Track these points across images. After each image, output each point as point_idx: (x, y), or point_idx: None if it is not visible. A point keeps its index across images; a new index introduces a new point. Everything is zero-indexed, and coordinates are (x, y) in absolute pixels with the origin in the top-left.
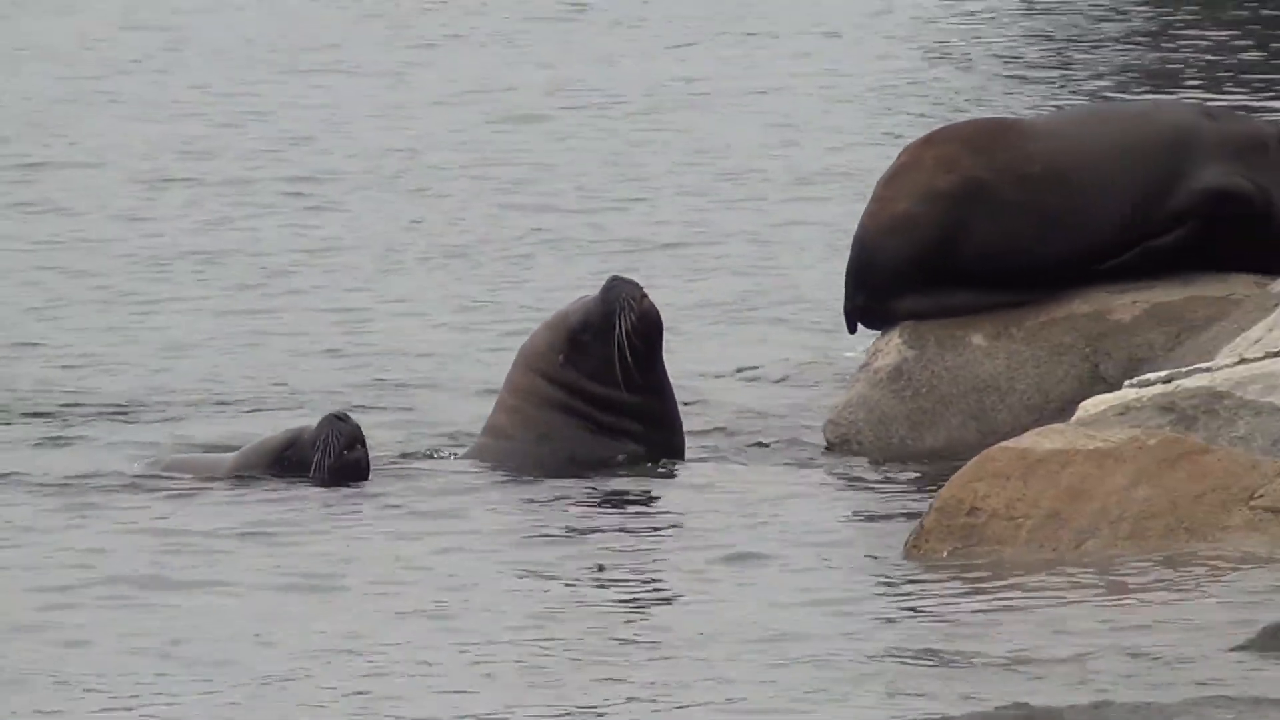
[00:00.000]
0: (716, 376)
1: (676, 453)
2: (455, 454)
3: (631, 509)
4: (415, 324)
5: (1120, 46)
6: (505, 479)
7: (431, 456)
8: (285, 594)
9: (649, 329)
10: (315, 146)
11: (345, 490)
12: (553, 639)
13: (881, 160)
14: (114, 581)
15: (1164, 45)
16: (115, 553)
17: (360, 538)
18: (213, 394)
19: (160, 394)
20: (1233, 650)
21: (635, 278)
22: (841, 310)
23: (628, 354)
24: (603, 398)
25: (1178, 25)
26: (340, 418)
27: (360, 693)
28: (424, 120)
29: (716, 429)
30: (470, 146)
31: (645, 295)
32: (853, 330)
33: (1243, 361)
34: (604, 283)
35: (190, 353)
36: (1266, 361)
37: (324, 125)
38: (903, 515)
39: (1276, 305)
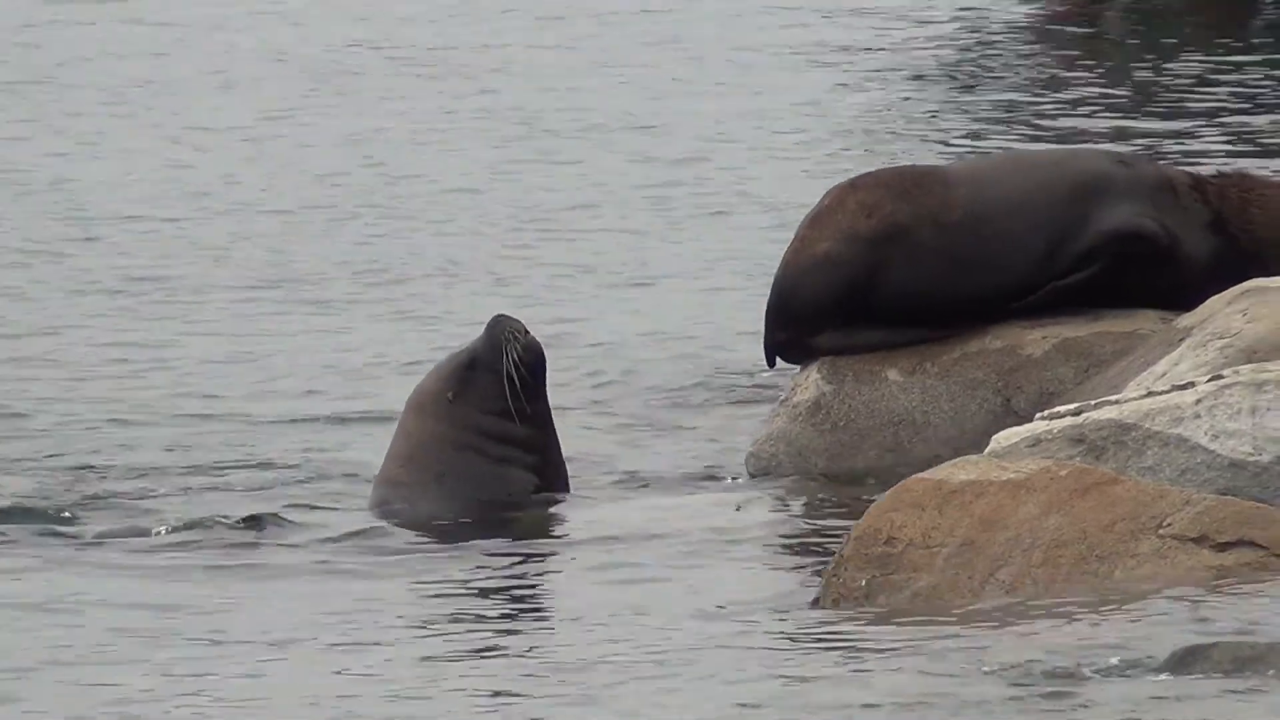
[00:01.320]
0: (641, 405)
1: (565, 482)
2: (353, 503)
3: (541, 544)
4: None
5: (1043, 91)
6: (408, 524)
7: (333, 509)
8: (186, 647)
9: (534, 360)
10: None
11: (236, 543)
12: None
13: (803, 200)
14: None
15: (1088, 91)
16: None
17: (260, 596)
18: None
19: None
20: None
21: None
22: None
23: (517, 384)
24: (495, 431)
25: (1101, 70)
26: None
27: None
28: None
29: (636, 457)
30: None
31: (528, 331)
32: (772, 364)
33: (1150, 394)
34: (488, 321)
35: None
36: (1173, 394)
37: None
38: (821, 545)
39: (1181, 340)
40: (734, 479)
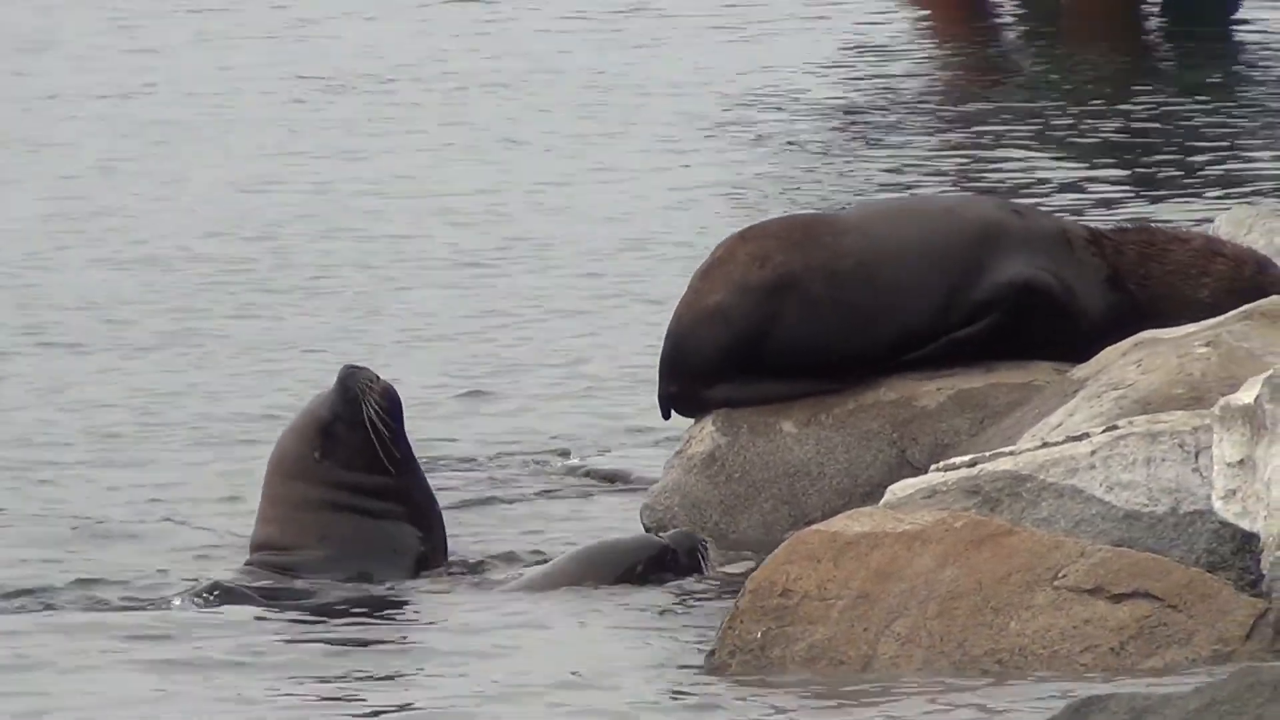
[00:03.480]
0: (527, 453)
1: (442, 528)
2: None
3: (425, 610)
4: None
5: (938, 135)
6: (298, 594)
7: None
8: None
9: (392, 406)
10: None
11: (108, 625)
12: None
13: (695, 253)
14: None
15: (979, 132)
16: None
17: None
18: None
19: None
20: None
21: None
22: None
23: (383, 433)
24: (368, 486)
25: (995, 112)
26: (354, 367)
27: None
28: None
29: (523, 504)
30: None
31: (379, 377)
32: (666, 416)
33: (1044, 445)
34: (338, 374)
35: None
36: (1067, 445)
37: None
38: (716, 598)
39: (1076, 391)
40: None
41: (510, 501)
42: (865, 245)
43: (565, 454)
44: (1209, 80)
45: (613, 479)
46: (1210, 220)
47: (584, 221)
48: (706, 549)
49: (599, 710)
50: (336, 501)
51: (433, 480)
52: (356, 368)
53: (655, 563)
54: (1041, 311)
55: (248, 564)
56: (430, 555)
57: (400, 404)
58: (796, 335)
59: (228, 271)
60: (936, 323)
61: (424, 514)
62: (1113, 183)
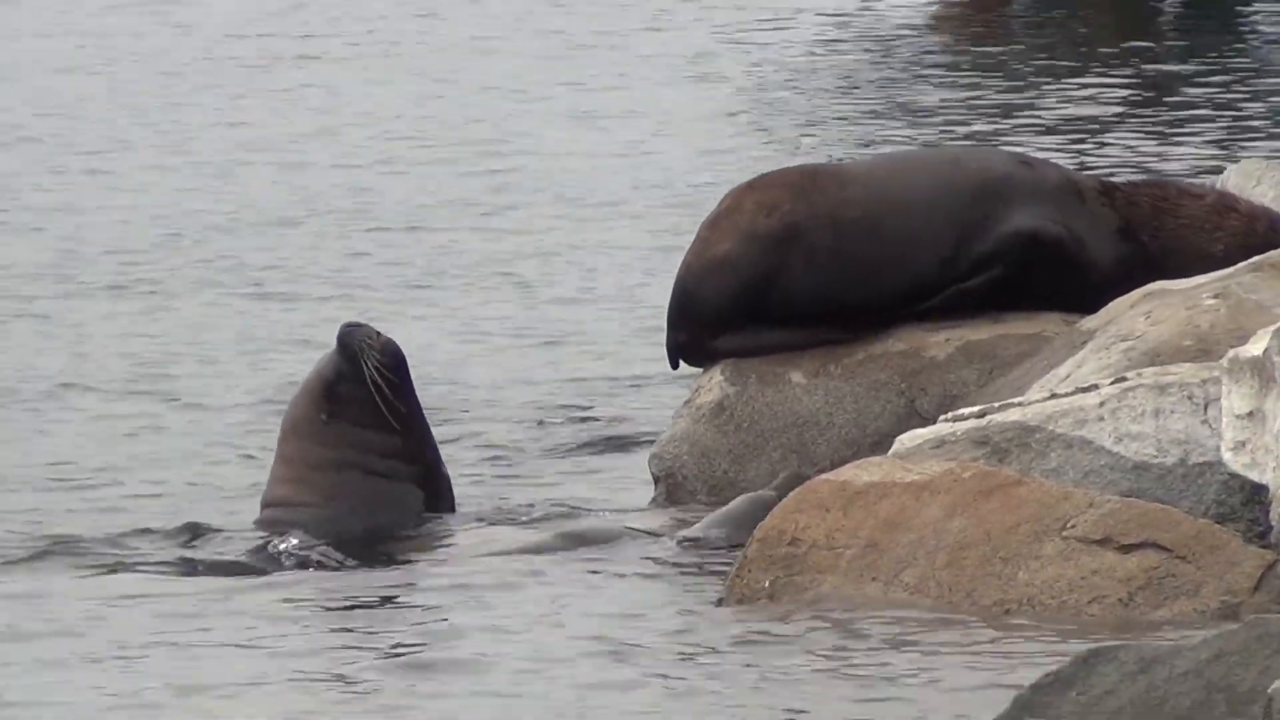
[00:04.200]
0: (538, 407)
1: (450, 488)
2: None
3: (442, 556)
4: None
5: (946, 89)
6: (310, 547)
7: (219, 532)
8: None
9: (394, 362)
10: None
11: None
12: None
13: (704, 204)
14: None
15: (989, 86)
16: None
17: (178, 612)
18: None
19: None
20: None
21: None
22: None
23: (385, 391)
24: (376, 445)
25: (1002, 64)
26: (352, 325)
27: None
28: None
29: (538, 456)
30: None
31: (380, 333)
32: (675, 366)
33: (1053, 396)
34: (337, 333)
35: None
36: (1076, 396)
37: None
38: (725, 546)
39: (1085, 342)
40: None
41: (516, 455)
42: (871, 195)
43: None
44: (1220, 32)
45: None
46: (1219, 171)
47: (592, 172)
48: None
49: (610, 658)
50: (345, 460)
51: (438, 433)
52: (355, 325)
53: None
54: (1049, 262)
55: (258, 521)
56: (437, 514)
57: (403, 358)
58: (803, 285)
59: (262, 222)
60: (943, 273)
61: (432, 473)
62: (1123, 134)
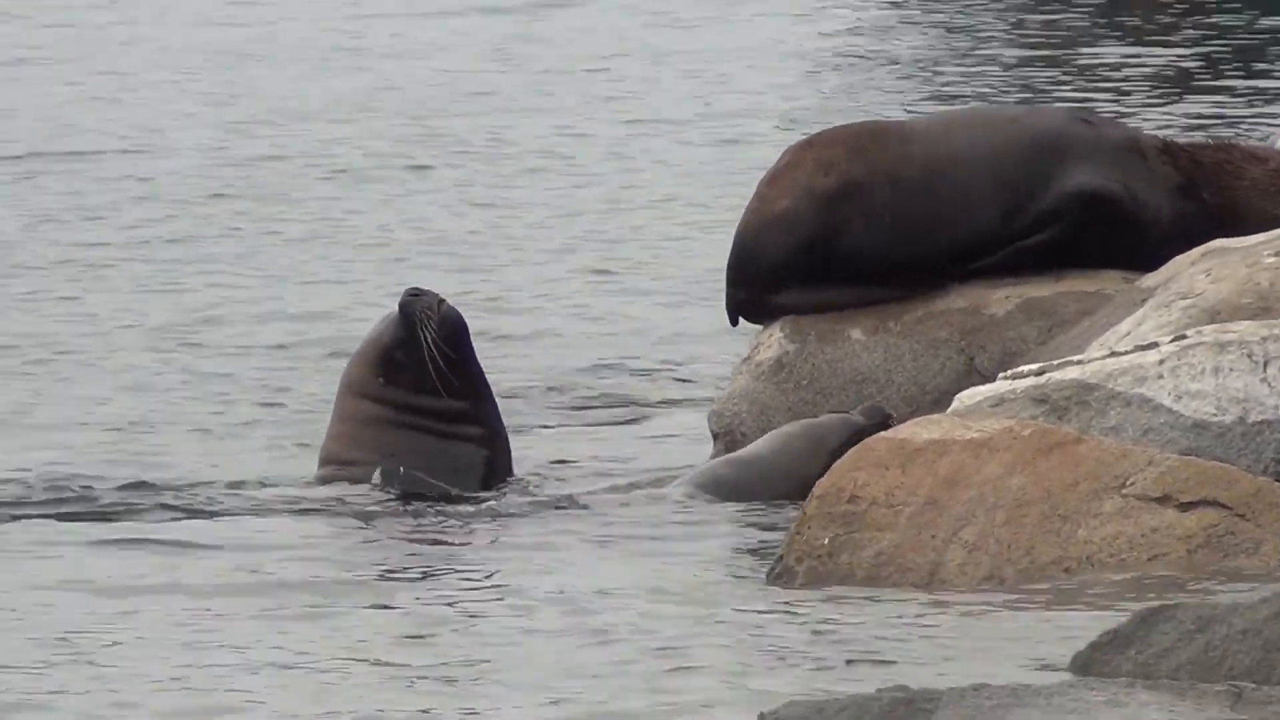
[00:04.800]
0: (592, 367)
1: (508, 452)
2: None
3: (492, 522)
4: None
5: (1007, 50)
6: (369, 501)
7: (275, 486)
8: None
9: (453, 332)
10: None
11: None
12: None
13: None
14: None
15: (1053, 50)
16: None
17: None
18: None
19: None
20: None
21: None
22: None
23: (439, 361)
24: (432, 408)
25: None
26: (414, 293)
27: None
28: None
29: (596, 416)
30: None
31: (443, 300)
32: (734, 323)
33: (1113, 355)
34: (399, 300)
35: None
36: (1136, 354)
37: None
38: (784, 503)
39: (1145, 300)
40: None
41: (574, 412)
42: (931, 153)
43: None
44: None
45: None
46: (1273, 132)
47: (653, 130)
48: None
49: (665, 616)
50: (401, 421)
51: (496, 390)
52: (417, 293)
53: (853, 443)
54: (1109, 220)
55: (317, 476)
56: (492, 476)
57: (465, 328)
58: (862, 242)
59: (329, 178)
60: (1003, 231)
61: (490, 437)
62: (1190, 95)
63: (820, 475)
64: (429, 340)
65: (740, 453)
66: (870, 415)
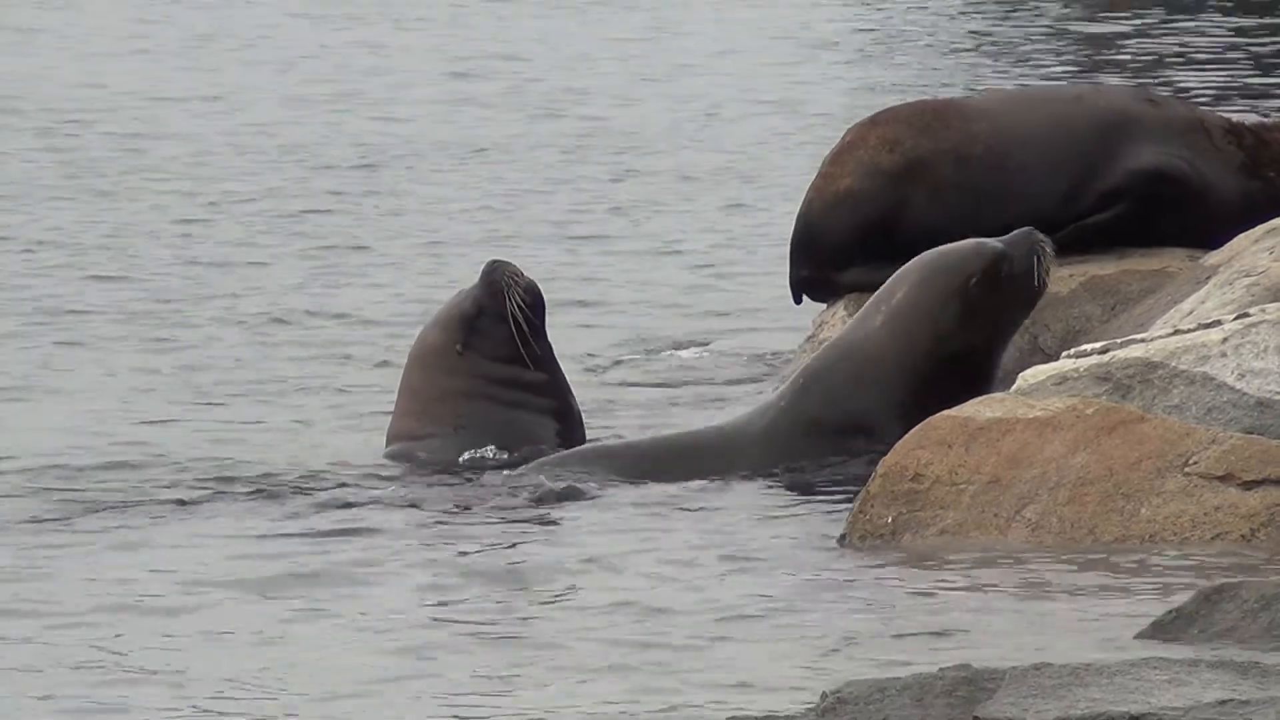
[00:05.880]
0: (657, 343)
1: (581, 424)
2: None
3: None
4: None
5: (1064, 34)
6: (438, 476)
7: (346, 467)
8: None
9: (535, 302)
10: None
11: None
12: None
13: (826, 141)
14: None
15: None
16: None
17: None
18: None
19: None
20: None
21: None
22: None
23: (524, 328)
24: (508, 378)
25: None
26: (498, 261)
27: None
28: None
29: (660, 393)
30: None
31: (523, 273)
32: (798, 301)
33: (1176, 333)
34: (483, 268)
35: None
36: (1199, 332)
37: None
38: (847, 481)
39: (1208, 278)
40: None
41: (639, 388)
42: (995, 130)
43: (682, 346)
44: None
45: (749, 362)
46: None
47: (716, 107)
48: (1045, 253)
49: (726, 588)
50: (476, 391)
51: (566, 367)
52: (501, 262)
53: (989, 275)
54: (1174, 199)
55: (387, 454)
56: (566, 447)
57: (543, 301)
58: (926, 219)
59: (394, 172)
60: (1067, 209)
61: (564, 410)
62: (1243, 77)
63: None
64: (515, 307)
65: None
66: (1014, 244)
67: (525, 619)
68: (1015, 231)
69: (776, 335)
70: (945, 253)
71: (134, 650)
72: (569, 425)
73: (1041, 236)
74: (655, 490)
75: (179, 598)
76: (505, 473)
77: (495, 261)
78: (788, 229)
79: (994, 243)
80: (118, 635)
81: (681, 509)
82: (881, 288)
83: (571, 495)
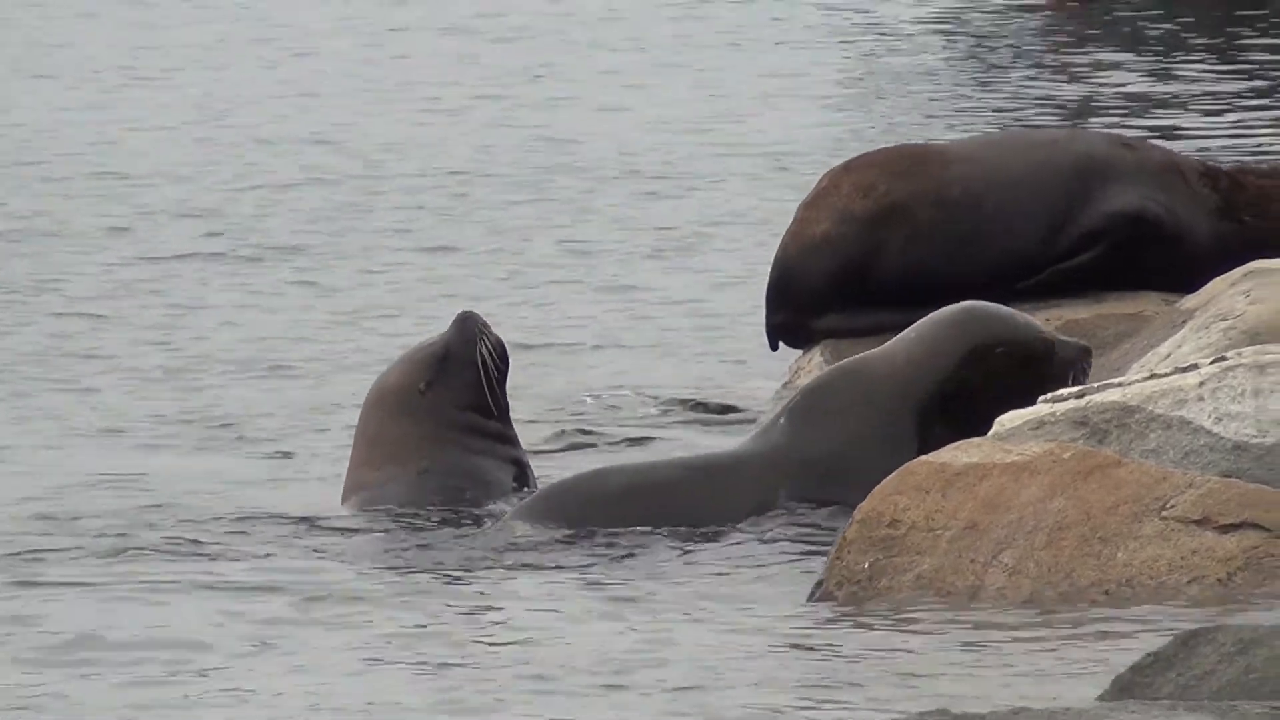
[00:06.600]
0: (630, 391)
1: (533, 478)
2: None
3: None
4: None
5: (1040, 76)
6: (401, 521)
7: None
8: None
9: (503, 355)
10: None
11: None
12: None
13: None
14: None
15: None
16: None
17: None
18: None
19: None
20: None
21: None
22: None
23: (493, 376)
24: (469, 424)
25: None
26: (469, 311)
27: None
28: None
29: (637, 435)
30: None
31: (489, 327)
32: (774, 347)
33: (1153, 376)
34: (456, 316)
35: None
36: (1175, 376)
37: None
38: (824, 528)
39: (1184, 322)
40: None
41: (614, 432)
42: (972, 174)
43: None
44: None
45: (723, 411)
46: None
47: (692, 149)
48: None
49: (700, 632)
50: (438, 434)
51: (540, 410)
52: (473, 313)
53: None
54: (1151, 242)
55: (349, 505)
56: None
57: (508, 358)
58: (902, 264)
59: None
60: (1044, 253)
61: (522, 464)
62: (1222, 118)
63: None
64: (485, 353)
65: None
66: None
67: (486, 673)
68: (1077, 343)
69: (752, 381)
70: (982, 311)
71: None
72: (524, 481)
73: (1091, 360)
74: (626, 538)
75: (127, 653)
76: (479, 516)
77: (469, 311)
78: (764, 274)
79: (1043, 334)
80: (40, 685)
81: (657, 553)
82: None
83: (542, 539)
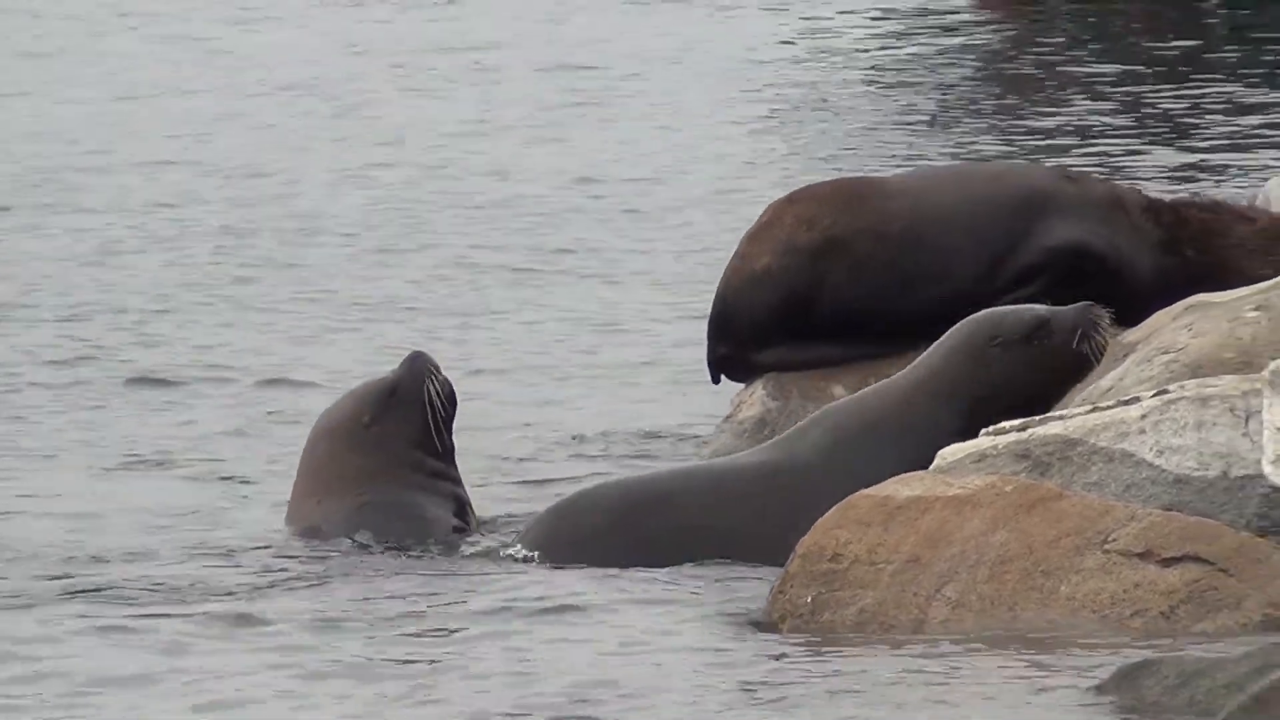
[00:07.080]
0: (566, 429)
1: (474, 518)
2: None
3: (469, 576)
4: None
5: (987, 105)
6: (340, 551)
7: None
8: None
9: (450, 395)
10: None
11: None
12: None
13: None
14: None
15: (1032, 98)
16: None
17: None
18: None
19: None
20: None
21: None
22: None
23: (441, 414)
24: (412, 461)
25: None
26: (420, 352)
27: None
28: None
29: (568, 478)
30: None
31: (440, 369)
32: (716, 381)
33: (1095, 409)
34: (407, 355)
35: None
36: (1117, 409)
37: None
38: (766, 563)
39: (1126, 355)
40: None
41: (552, 467)
42: (913, 208)
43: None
44: (1262, 54)
45: (664, 442)
46: (1262, 185)
47: (634, 182)
48: (1096, 329)
49: (649, 674)
50: (380, 469)
51: (478, 445)
52: (424, 353)
53: (1016, 338)
54: (1093, 275)
55: (294, 534)
56: (462, 533)
57: (456, 399)
58: (844, 298)
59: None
60: (985, 287)
61: (463, 503)
62: (1166, 148)
63: None
64: (433, 392)
65: None
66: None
67: (438, 702)
68: (1076, 304)
69: (692, 414)
70: (991, 312)
71: None
72: (465, 518)
73: (1100, 312)
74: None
75: (71, 696)
76: (418, 550)
77: (419, 351)
78: (706, 307)
79: (1040, 309)
80: None
81: (594, 591)
82: None
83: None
